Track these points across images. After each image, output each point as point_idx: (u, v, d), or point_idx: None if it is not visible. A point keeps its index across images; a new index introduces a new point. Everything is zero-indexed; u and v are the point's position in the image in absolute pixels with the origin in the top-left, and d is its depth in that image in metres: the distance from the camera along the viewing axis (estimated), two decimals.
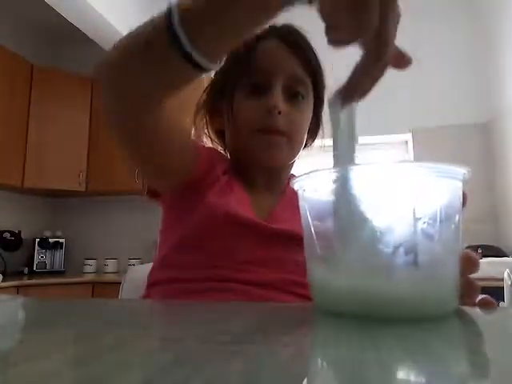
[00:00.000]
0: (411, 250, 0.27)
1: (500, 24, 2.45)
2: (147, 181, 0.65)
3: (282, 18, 0.68)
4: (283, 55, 0.63)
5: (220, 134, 0.72)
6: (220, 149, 0.72)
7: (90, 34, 2.48)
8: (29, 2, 2.75)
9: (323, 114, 0.70)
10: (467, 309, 0.32)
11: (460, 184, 0.30)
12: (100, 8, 2.27)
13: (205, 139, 0.72)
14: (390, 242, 0.27)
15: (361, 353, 0.20)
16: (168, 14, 0.41)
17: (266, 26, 0.65)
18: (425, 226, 0.27)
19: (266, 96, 0.61)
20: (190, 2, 0.41)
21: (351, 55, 0.36)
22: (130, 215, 3.04)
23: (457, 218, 0.30)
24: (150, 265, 0.67)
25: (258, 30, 0.44)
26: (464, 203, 0.31)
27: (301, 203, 0.33)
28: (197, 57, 0.41)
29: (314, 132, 0.72)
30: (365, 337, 0.23)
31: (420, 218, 0.27)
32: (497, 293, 1.49)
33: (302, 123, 0.65)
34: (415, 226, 0.27)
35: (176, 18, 0.40)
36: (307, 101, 0.65)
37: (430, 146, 2.63)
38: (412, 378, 0.17)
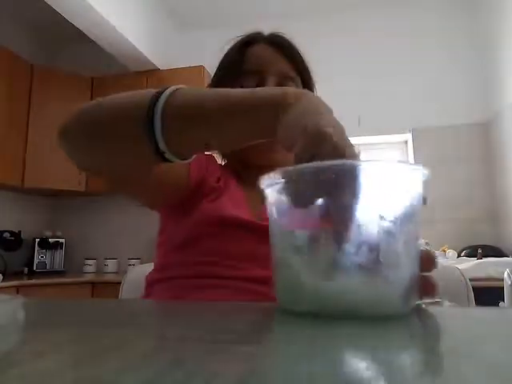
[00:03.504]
0: (374, 248, 0.27)
1: (499, 24, 2.45)
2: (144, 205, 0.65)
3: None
4: (271, 56, 0.67)
5: None
6: (217, 153, 0.74)
7: (89, 34, 2.48)
8: (29, 2, 2.75)
9: None
10: (426, 307, 0.32)
11: (421, 183, 0.30)
12: (100, 8, 2.27)
13: None
14: (353, 241, 0.27)
15: (361, 354, 0.20)
16: (154, 101, 0.40)
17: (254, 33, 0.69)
18: (388, 224, 0.27)
19: None
20: (181, 100, 0.41)
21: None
22: (130, 215, 3.04)
23: (417, 217, 0.30)
24: (150, 265, 0.67)
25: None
26: (424, 203, 0.32)
27: (268, 202, 0.33)
28: (166, 153, 0.41)
29: None
30: (359, 337, 0.23)
31: (383, 217, 0.27)
32: (497, 293, 1.49)
33: None
34: (379, 224, 0.27)
35: (159, 111, 0.39)
36: None
37: (430, 146, 2.64)
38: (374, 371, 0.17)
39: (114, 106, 0.44)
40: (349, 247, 0.27)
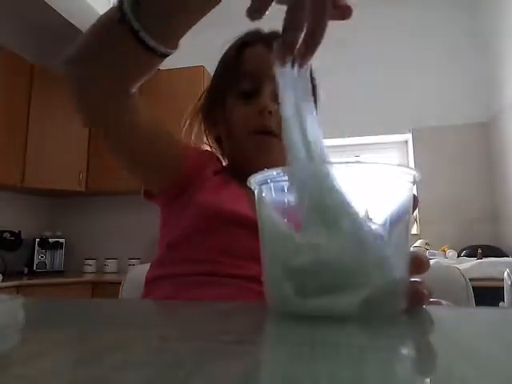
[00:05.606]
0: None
1: (500, 24, 2.45)
2: (138, 180, 0.66)
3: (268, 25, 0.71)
4: (269, 59, 0.65)
5: (218, 141, 0.74)
6: (218, 155, 0.74)
7: None
8: (29, 2, 2.75)
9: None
10: (415, 310, 0.31)
11: (411, 185, 0.30)
12: (100, 8, 2.27)
13: (206, 147, 0.74)
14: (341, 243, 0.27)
15: (361, 354, 0.20)
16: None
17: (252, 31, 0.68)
18: (376, 226, 0.27)
19: (256, 99, 0.63)
20: None
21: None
22: (130, 215, 3.04)
23: (407, 219, 0.29)
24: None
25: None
26: (415, 205, 0.31)
27: (257, 202, 0.33)
28: (145, 36, 0.44)
29: None
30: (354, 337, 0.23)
31: (372, 219, 0.27)
32: (497, 293, 1.49)
33: None
34: (367, 226, 0.27)
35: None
36: None
37: (430, 146, 2.64)
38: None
39: (89, 28, 0.51)
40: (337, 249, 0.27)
